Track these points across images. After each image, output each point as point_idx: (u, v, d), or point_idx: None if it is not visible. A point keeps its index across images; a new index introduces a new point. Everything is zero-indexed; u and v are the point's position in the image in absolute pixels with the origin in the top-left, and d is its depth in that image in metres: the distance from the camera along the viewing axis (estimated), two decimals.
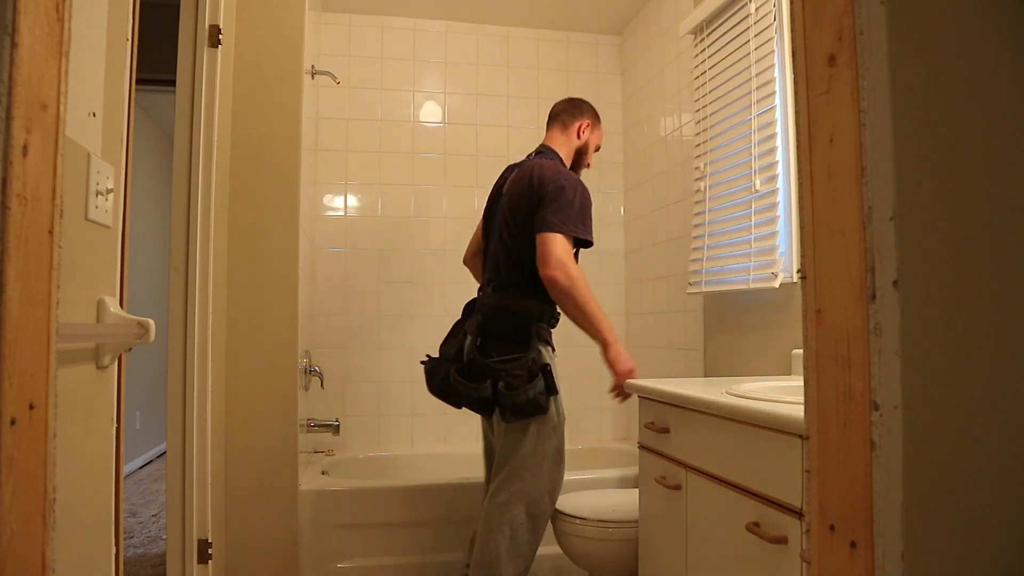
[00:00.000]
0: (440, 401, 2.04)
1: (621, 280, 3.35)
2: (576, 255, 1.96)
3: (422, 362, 2.09)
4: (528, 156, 2.16)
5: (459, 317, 2.11)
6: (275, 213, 2.20)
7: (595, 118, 2.19)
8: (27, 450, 0.66)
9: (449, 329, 2.10)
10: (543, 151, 2.11)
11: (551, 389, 1.84)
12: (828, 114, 0.72)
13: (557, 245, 1.84)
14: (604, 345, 1.92)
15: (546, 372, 1.84)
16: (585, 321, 1.89)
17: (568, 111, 2.16)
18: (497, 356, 1.87)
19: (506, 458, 1.89)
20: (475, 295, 2.15)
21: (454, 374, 1.91)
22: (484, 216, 2.19)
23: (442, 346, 2.07)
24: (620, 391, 1.92)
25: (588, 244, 1.94)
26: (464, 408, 2.01)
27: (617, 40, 3.43)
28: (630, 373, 1.90)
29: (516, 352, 1.87)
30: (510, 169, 2.17)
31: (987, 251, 0.68)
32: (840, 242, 0.70)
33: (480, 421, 2.16)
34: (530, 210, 1.92)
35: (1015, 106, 0.69)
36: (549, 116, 2.21)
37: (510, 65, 3.33)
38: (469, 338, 1.94)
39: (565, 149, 2.13)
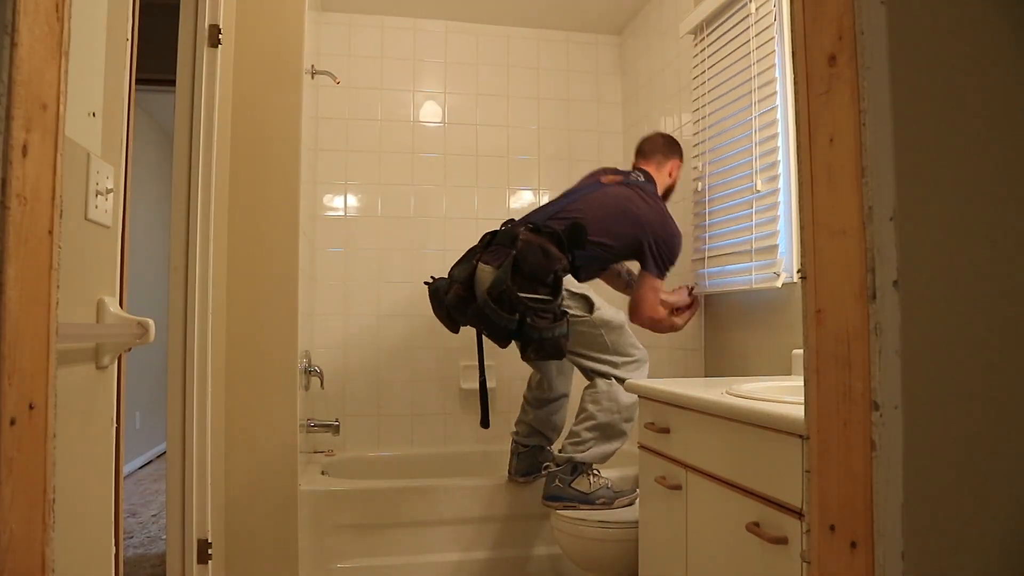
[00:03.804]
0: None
1: None
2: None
3: (426, 283, 2.27)
4: (632, 172, 2.41)
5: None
6: (275, 213, 2.20)
7: (682, 157, 2.48)
8: (27, 450, 0.66)
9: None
10: (647, 178, 2.39)
11: (568, 336, 2.06)
12: (828, 114, 0.72)
13: (650, 296, 2.27)
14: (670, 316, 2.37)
15: (567, 318, 2.07)
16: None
17: (663, 151, 2.45)
18: (525, 294, 2.03)
19: (605, 350, 2.18)
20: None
21: (489, 302, 2.01)
22: (572, 190, 2.42)
23: (453, 268, 2.23)
24: (688, 308, 2.40)
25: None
26: (461, 331, 2.26)
27: (617, 40, 3.43)
28: (682, 300, 2.37)
29: (543, 294, 2.05)
30: (615, 172, 2.42)
31: (987, 251, 0.68)
32: (840, 242, 0.69)
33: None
34: (634, 238, 2.23)
35: (1016, 105, 0.69)
36: (642, 150, 2.48)
37: (510, 65, 3.33)
38: (496, 269, 2.06)
39: (660, 183, 2.42)
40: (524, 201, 3.28)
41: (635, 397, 2.11)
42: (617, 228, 2.23)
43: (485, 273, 2.06)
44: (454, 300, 2.10)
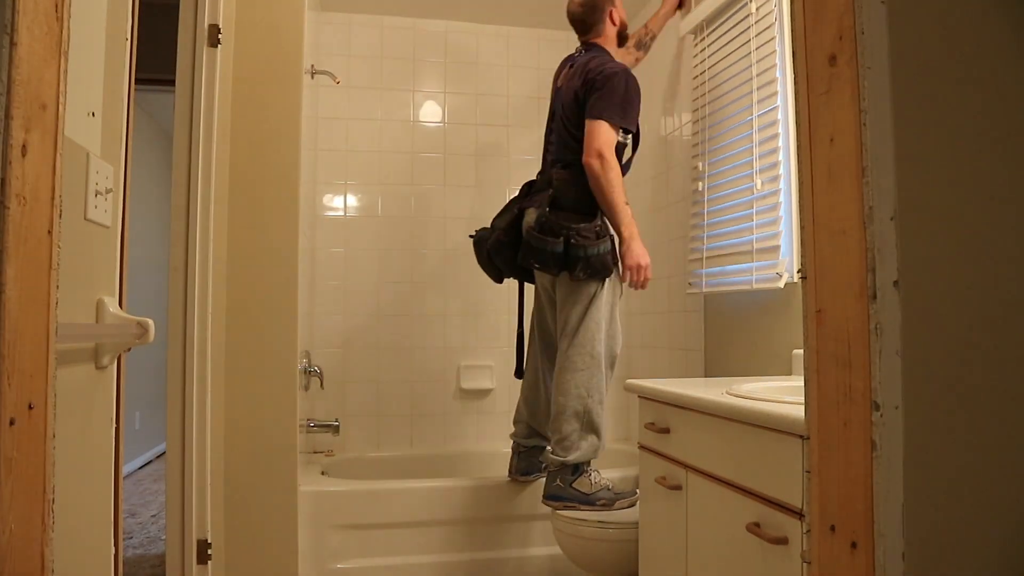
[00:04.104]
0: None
1: None
2: (631, 146, 2.26)
3: (471, 236, 2.40)
4: (578, 50, 2.39)
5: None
6: (275, 213, 2.20)
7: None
8: (26, 450, 0.66)
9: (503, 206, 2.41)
10: (591, 47, 2.35)
11: (615, 256, 2.13)
12: (828, 114, 0.71)
13: (600, 134, 2.11)
14: (620, 238, 2.15)
15: (611, 237, 2.12)
16: (608, 211, 2.14)
17: (589, 16, 2.35)
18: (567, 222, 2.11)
19: (575, 328, 2.14)
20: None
21: (534, 232, 2.10)
22: (549, 112, 2.45)
23: (495, 219, 2.35)
24: (631, 282, 2.17)
25: (631, 132, 2.20)
26: (505, 281, 2.40)
27: None
28: (637, 268, 2.13)
29: (584, 221, 2.10)
30: (565, 63, 2.41)
31: (987, 251, 0.68)
32: (840, 242, 0.69)
33: (532, 309, 2.44)
34: (584, 100, 2.17)
35: (1016, 106, 0.69)
36: (577, 30, 2.39)
37: (510, 65, 3.33)
38: (534, 210, 2.17)
39: (610, 40, 2.37)
40: None
41: (592, 376, 2.14)
42: (574, 107, 2.21)
43: (530, 214, 2.19)
44: (495, 244, 2.23)
